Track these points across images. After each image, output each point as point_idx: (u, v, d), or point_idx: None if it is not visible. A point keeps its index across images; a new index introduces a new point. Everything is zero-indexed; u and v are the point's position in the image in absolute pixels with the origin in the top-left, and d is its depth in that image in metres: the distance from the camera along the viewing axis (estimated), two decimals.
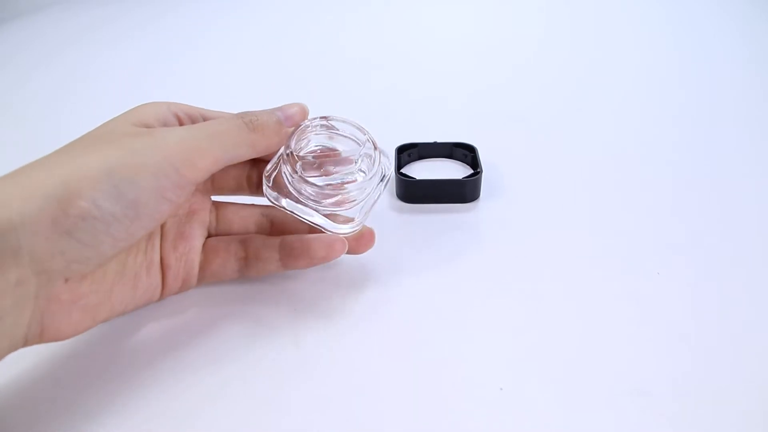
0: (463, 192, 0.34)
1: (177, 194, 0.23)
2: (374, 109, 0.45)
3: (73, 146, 0.23)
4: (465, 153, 0.38)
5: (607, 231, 0.32)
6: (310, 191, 0.26)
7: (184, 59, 0.60)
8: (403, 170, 0.37)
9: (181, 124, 0.26)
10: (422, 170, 0.38)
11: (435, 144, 0.39)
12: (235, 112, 0.26)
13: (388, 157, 0.28)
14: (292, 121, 0.26)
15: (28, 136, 0.47)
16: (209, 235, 0.29)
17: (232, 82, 0.52)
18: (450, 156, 0.39)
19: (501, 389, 0.23)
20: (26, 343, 0.21)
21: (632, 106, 0.47)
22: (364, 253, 0.29)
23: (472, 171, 0.36)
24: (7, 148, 0.45)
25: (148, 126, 0.24)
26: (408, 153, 0.38)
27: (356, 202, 0.26)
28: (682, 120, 0.45)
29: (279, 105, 0.27)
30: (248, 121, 0.25)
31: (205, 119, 0.27)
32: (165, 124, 0.25)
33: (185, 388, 0.24)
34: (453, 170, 0.38)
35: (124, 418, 0.23)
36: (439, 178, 0.35)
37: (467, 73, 0.55)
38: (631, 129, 0.44)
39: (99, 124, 0.24)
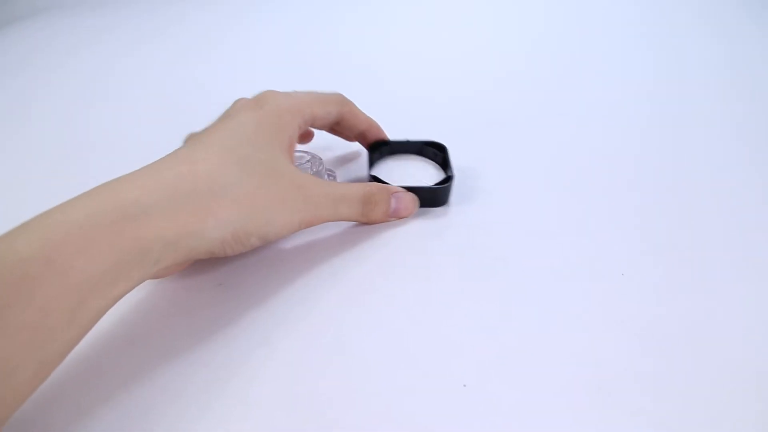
0: (433, 198, 0.35)
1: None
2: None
3: (253, 179, 0.26)
4: (435, 152, 0.38)
5: (573, 232, 0.33)
6: None
7: (203, 61, 0.61)
8: (374, 170, 0.37)
9: (301, 140, 0.38)
10: (393, 169, 0.38)
11: (406, 142, 0.39)
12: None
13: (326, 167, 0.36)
14: (398, 215, 0.33)
15: (47, 139, 0.47)
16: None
17: (244, 84, 0.52)
18: (420, 153, 0.39)
19: (464, 386, 0.24)
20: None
21: (606, 112, 0.48)
22: (333, 256, 0.31)
23: (442, 170, 0.37)
24: (25, 151, 0.45)
25: (291, 153, 0.30)
26: (380, 151, 0.38)
27: None
28: (656, 124, 0.46)
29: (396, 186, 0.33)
30: (367, 213, 0.32)
31: (314, 119, 0.32)
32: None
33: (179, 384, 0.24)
34: (423, 170, 0.38)
35: (119, 412, 0.23)
36: (411, 184, 0.34)
37: (451, 77, 0.55)
38: (602, 134, 0.44)
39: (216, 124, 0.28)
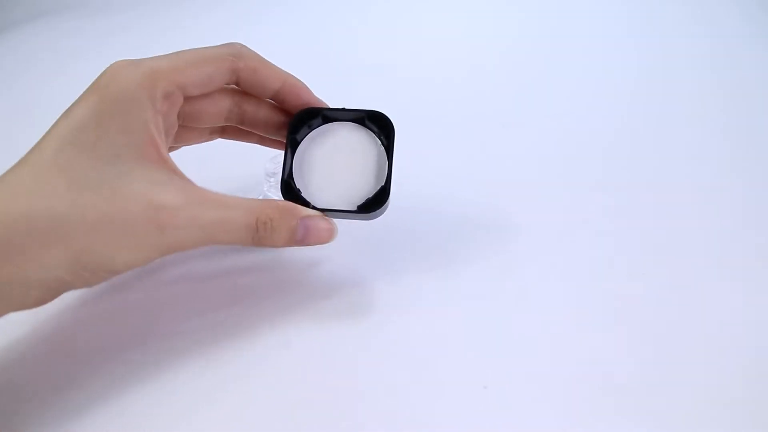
0: (364, 214, 0.27)
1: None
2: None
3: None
4: (378, 132, 0.28)
5: (588, 233, 0.33)
6: None
7: None
8: (294, 158, 0.28)
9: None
10: (318, 158, 0.28)
11: (343, 111, 0.28)
12: None
13: None
14: (306, 243, 0.25)
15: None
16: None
17: None
18: (362, 124, 0.28)
19: (485, 387, 0.24)
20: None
21: (597, 112, 0.47)
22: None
23: (384, 151, 0.28)
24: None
25: (151, 154, 0.23)
26: (308, 124, 0.28)
27: None
28: (650, 124, 0.45)
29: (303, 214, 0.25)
30: (260, 239, 0.24)
31: (185, 88, 0.24)
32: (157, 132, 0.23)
33: (179, 386, 0.24)
34: (360, 153, 0.28)
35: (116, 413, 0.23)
36: (330, 203, 0.27)
37: (453, 76, 0.55)
38: (602, 135, 0.44)
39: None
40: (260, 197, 0.33)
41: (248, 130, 0.29)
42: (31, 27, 0.74)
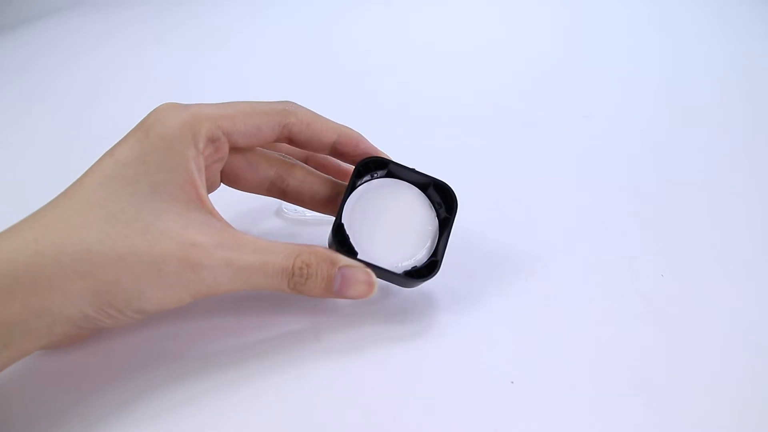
0: (402, 283, 0.27)
1: None
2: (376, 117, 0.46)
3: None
4: (440, 202, 0.27)
5: (611, 234, 0.33)
6: None
7: (211, 63, 0.60)
8: (349, 204, 0.26)
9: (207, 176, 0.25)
10: (374, 209, 0.27)
11: (411, 172, 0.27)
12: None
13: None
14: (342, 296, 0.24)
15: (53, 140, 0.46)
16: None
17: (253, 85, 0.52)
18: (424, 190, 0.28)
19: (512, 383, 0.24)
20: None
21: (618, 114, 0.47)
22: None
23: (438, 229, 0.27)
24: (31, 152, 0.44)
25: (191, 195, 0.23)
26: (373, 173, 0.27)
27: None
28: (674, 124, 0.46)
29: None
30: (296, 286, 0.24)
31: (231, 136, 0.24)
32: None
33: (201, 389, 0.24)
34: (418, 218, 0.27)
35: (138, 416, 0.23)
36: (377, 260, 0.26)
37: (465, 77, 0.55)
38: (627, 138, 0.44)
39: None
40: (276, 213, 0.33)
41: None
42: (32, 27, 0.74)
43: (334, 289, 0.24)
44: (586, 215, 0.35)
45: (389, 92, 0.51)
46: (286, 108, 0.25)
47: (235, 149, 0.25)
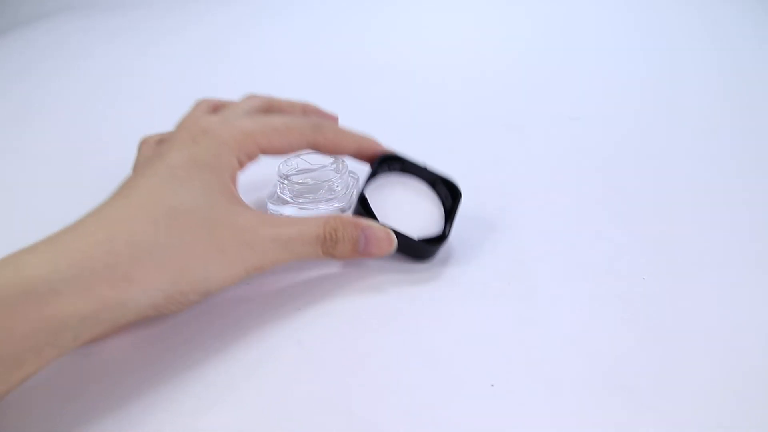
0: (414, 251, 0.30)
1: None
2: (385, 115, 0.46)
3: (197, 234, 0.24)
4: (446, 194, 0.32)
5: (592, 237, 0.34)
6: (297, 189, 0.32)
7: (217, 63, 0.60)
8: (371, 185, 0.31)
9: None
10: (392, 192, 0.32)
11: (422, 168, 0.33)
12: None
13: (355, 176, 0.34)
14: (368, 254, 0.28)
15: (59, 140, 0.47)
16: None
17: (259, 84, 0.52)
18: (433, 185, 0.33)
19: (492, 386, 0.24)
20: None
21: (607, 116, 0.48)
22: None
23: (444, 217, 0.32)
24: (36, 153, 0.45)
25: (232, 192, 0.27)
26: (389, 165, 0.32)
27: (333, 199, 0.33)
28: (660, 127, 0.46)
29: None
30: (328, 251, 0.27)
31: (265, 151, 0.28)
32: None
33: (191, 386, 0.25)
34: (424, 207, 0.32)
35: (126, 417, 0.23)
36: (396, 226, 0.29)
37: (459, 77, 0.55)
38: (620, 139, 0.44)
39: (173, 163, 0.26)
40: (273, 197, 0.34)
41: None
42: (35, 27, 0.74)
43: (360, 248, 0.28)
44: (569, 217, 0.35)
45: (372, 96, 0.51)
46: (315, 125, 0.29)
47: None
